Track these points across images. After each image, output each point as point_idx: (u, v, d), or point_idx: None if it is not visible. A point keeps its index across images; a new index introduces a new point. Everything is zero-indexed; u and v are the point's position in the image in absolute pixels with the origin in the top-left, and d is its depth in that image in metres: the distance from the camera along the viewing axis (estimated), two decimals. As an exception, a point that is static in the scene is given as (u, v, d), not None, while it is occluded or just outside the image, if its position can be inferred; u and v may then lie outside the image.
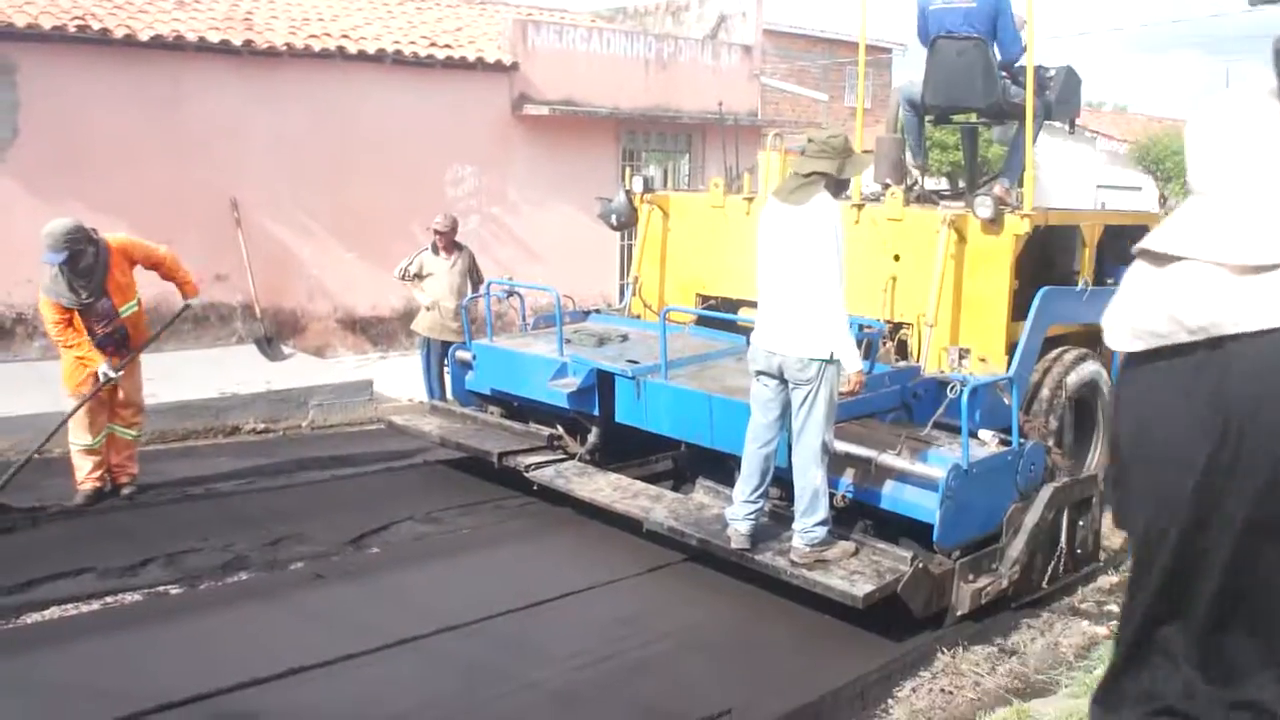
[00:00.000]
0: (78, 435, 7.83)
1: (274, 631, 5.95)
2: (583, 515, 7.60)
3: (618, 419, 7.69)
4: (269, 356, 12.00)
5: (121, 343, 7.82)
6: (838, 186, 6.18)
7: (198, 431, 9.41)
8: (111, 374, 7.65)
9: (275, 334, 12.67)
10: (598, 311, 9.87)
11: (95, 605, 6.20)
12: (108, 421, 7.96)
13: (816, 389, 5.91)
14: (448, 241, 10.18)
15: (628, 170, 12.07)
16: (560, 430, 8.40)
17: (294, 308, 13.27)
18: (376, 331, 13.93)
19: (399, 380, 11.82)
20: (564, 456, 8.15)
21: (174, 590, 6.45)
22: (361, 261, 13.50)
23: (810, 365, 5.89)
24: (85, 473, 7.88)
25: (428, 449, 9.14)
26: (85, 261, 7.47)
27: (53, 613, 6.08)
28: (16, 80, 11.47)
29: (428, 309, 10.17)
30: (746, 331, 6.50)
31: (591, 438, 8.19)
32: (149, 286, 8.23)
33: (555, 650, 5.76)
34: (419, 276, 10.22)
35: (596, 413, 7.89)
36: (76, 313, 7.57)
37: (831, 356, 5.92)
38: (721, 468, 7.23)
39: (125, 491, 8.07)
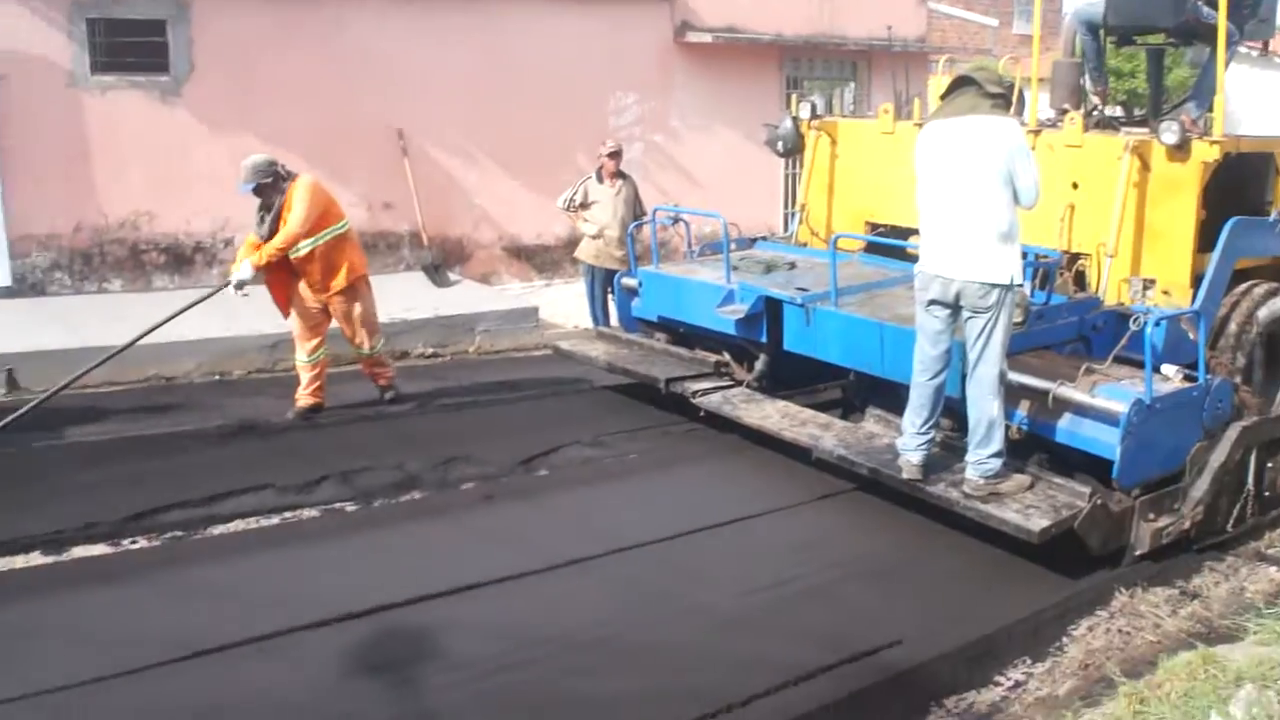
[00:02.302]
0: (297, 350, 8.29)
1: (447, 549, 6.09)
2: (749, 442, 7.57)
3: (785, 347, 7.63)
4: (436, 283, 12.20)
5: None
6: None
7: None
8: (234, 286, 7.90)
9: (442, 261, 12.86)
10: (764, 239, 9.78)
11: (275, 520, 6.47)
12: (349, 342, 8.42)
13: (996, 317, 5.75)
14: (614, 168, 10.20)
15: (793, 97, 11.88)
16: (727, 357, 8.36)
17: (460, 236, 13.45)
18: (541, 259, 14.04)
19: (564, 307, 11.92)
20: (731, 384, 8.11)
21: (349, 507, 6.66)
22: (526, 190, 13.58)
23: (991, 292, 5.73)
24: (300, 388, 8.31)
25: (593, 375, 9.20)
26: (272, 197, 7.81)
27: (236, 525, 6.37)
28: (191, 17, 11.75)
29: (592, 237, 10.21)
30: (917, 260, 6.35)
31: (759, 365, 8.13)
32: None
33: (723, 575, 5.77)
34: (583, 205, 10.26)
35: (764, 340, 7.83)
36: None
37: (1012, 281, 5.76)
38: (891, 396, 7.12)
39: (387, 396, 8.56)
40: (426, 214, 12.89)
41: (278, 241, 7.75)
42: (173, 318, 8.09)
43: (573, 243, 11.83)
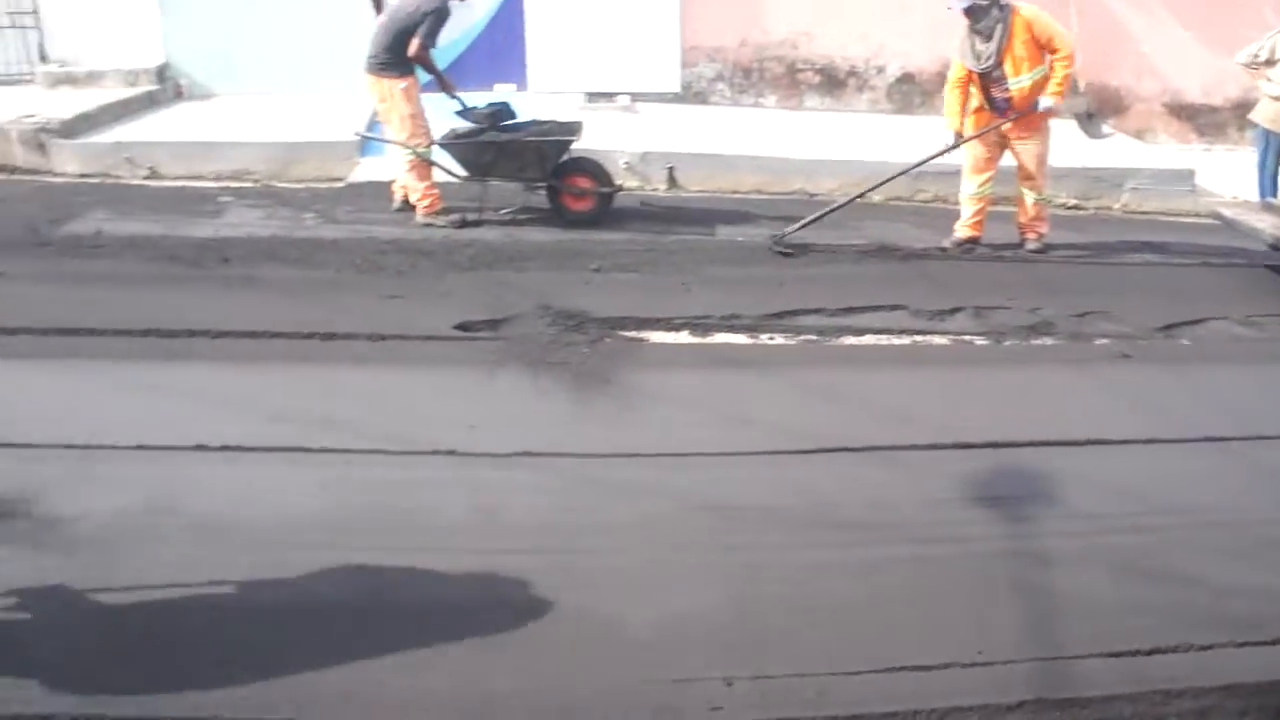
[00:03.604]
0: (965, 181, 8.34)
1: (1075, 400, 5.91)
2: None
3: None
4: (1088, 133, 11.57)
5: (1005, 113, 8.05)
6: None
7: (1007, 198, 9.38)
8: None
9: (1095, 111, 12.19)
10: None
11: (905, 340, 6.61)
12: (1019, 184, 8.36)
13: None
14: (1310, 25, 9.20)
15: None
16: None
17: (1118, 86, 12.68)
18: (1204, 120, 12.95)
19: (1223, 176, 10.98)
20: None
21: (979, 341, 6.65)
22: (1198, 42, 12.49)
23: None
24: (961, 219, 8.37)
25: (1253, 251, 8.42)
26: (985, 21, 7.68)
27: (867, 339, 6.59)
28: None
29: (1274, 98, 9.29)
30: None
31: None
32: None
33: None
34: (1269, 63, 9.33)
35: None
36: (976, 77, 7.90)
37: None
38: None
39: (1029, 247, 8.40)
40: (1086, 59, 12.24)
41: (1066, 70, 7.79)
42: (946, 151, 8.29)
43: (1244, 105, 10.85)
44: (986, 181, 8.23)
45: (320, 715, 3.37)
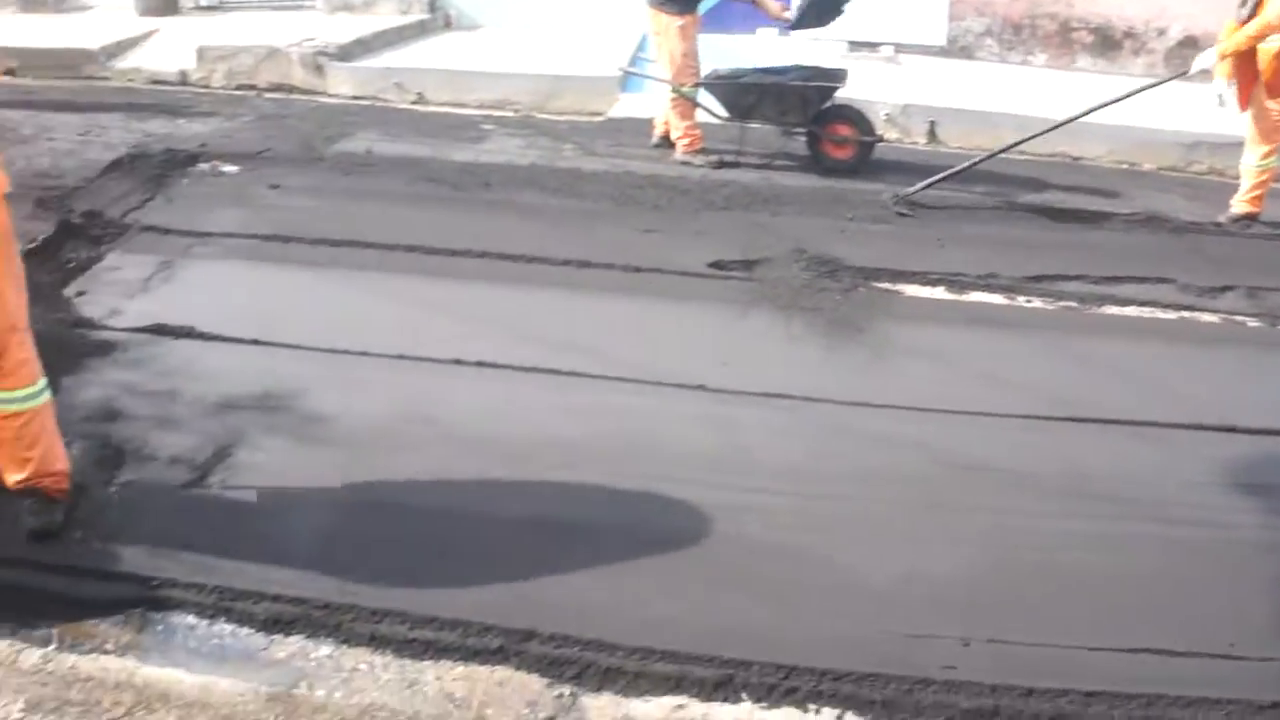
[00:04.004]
0: (1245, 152, 7.85)
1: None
2: None
3: None
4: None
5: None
6: None
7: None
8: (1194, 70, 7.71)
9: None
10: None
11: (1171, 315, 6.29)
12: None
13: None
14: None
15: None
16: None
17: None
18: None
19: None
20: None
21: (1252, 323, 6.30)
22: None
23: None
24: (1239, 192, 7.89)
25: None
26: None
27: (1130, 310, 6.30)
28: None
29: None
30: None
31: None
32: None
33: None
34: None
35: None
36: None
37: None
38: None
39: None
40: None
41: (1250, 29, 7.20)
42: (1126, 97, 7.91)
43: None
44: (1269, 154, 7.68)
45: (556, 628, 3.46)
